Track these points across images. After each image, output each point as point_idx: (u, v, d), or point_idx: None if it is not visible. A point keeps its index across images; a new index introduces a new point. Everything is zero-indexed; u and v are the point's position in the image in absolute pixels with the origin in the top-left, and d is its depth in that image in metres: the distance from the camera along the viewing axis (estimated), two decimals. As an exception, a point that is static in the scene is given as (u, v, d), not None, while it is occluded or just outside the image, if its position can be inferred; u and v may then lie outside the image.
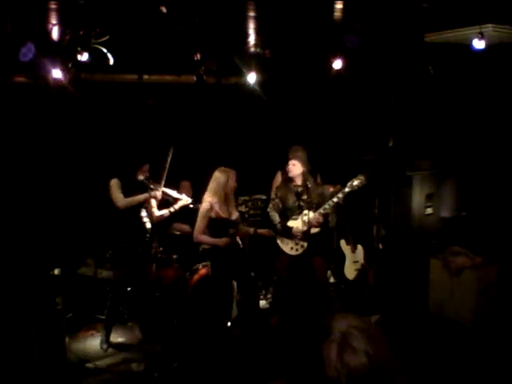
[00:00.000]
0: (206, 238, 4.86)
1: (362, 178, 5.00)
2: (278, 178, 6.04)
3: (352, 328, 0.96)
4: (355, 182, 4.98)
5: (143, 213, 5.00)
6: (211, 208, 4.72)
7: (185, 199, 5.23)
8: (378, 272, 6.00)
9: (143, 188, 4.98)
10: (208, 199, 4.76)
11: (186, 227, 5.99)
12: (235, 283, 5.19)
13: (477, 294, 5.36)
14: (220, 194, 4.76)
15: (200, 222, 4.78)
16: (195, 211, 5.28)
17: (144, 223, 5.01)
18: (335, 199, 5.02)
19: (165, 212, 5.20)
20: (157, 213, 5.14)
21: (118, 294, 5.03)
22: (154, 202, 5.11)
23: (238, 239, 4.98)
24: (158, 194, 4.99)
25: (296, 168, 5.14)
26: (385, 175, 6.28)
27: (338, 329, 0.95)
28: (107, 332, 5.00)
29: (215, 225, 4.80)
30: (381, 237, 5.99)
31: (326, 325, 0.97)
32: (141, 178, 4.98)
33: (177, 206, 5.19)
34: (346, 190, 5.00)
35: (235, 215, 4.92)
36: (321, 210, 5.08)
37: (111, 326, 5.03)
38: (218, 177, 4.79)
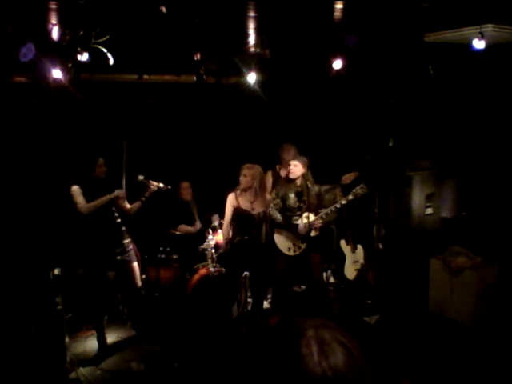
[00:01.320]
0: (226, 231, 5.19)
1: (365, 186, 5.09)
2: (269, 178, 6.06)
3: (320, 324, 0.98)
4: (359, 191, 5.06)
5: (115, 213, 4.96)
6: (234, 198, 5.08)
7: (154, 184, 5.11)
8: (377, 272, 6.00)
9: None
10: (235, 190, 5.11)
11: (190, 228, 5.99)
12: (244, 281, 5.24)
13: (477, 294, 5.36)
14: (243, 188, 5.05)
15: (226, 210, 5.17)
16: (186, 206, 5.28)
17: (120, 226, 4.98)
18: (338, 205, 5.08)
19: (136, 204, 5.11)
20: (127, 206, 5.09)
21: (100, 295, 4.97)
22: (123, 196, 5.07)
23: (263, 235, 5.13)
24: (122, 192, 4.95)
25: (297, 169, 5.14)
26: (385, 175, 6.28)
27: (309, 328, 0.97)
28: (100, 335, 4.93)
29: (236, 215, 5.10)
30: (381, 237, 6.00)
31: (298, 326, 0.98)
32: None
33: (147, 194, 5.09)
34: (350, 197, 5.09)
35: (257, 210, 5.01)
36: (322, 215, 5.11)
37: (103, 329, 4.96)
38: (242, 173, 5.06)
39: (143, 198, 5.09)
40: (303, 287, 6.23)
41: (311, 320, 1.00)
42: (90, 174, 4.85)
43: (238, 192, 5.08)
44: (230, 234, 5.23)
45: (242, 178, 5.02)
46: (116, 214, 4.98)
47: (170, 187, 5.28)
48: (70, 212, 4.94)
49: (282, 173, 6.07)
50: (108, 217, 4.92)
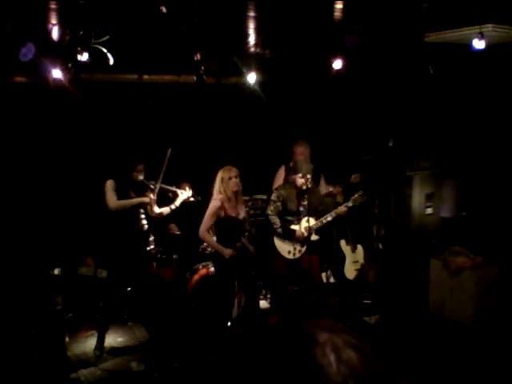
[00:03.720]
0: (210, 239, 4.83)
1: (364, 194, 5.13)
2: (282, 173, 5.98)
3: (330, 327, 0.94)
4: (358, 199, 5.12)
5: (141, 214, 4.94)
6: (222, 206, 4.70)
7: (185, 193, 5.08)
8: (378, 272, 6.00)
9: (141, 188, 4.95)
10: (218, 198, 4.72)
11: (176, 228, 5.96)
12: (236, 282, 5.19)
13: (477, 294, 5.36)
14: (226, 193, 4.70)
15: (207, 220, 4.71)
16: (200, 209, 5.27)
17: (143, 225, 4.95)
18: (338, 211, 5.07)
19: (165, 209, 5.07)
20: (157, 210, 5.02)
21: (112, 295, 4.97)
22: (153, 200, 5.08)
23: (246, 240, 5.03)
24: (152, 197, 4.89)
25: (305, 182, 5.07)
26: (385, 175, 6.28)
27: (320, 333, 0.93)
28: (101, 335, 4.91)
29: (223, 224, 4.77)
30: (381, 237, 6.00)
31: (307, 332, 0.94)
32: (140, 178, 4.97)
33: (177, 203, 5.06)
34: (350, 204, 5.12)
35: (242, 214, 4.90)
36: (323, 220, 5.11)
37: (105, 329, 4.95)
38: (221, 176, 4.75)
39: (173, 206, 5.02)
40: (299, 287, 6.20)
41: (318, 322, 0.96)
42: (128, 175, 4.85)
43: (224, 198, 4.73)
44: (214, 238, 4.98)
45: (233, 181, 4.71)
46: (143, 216, 4.96)
47: (200, 199, 5.23)
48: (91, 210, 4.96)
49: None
50: (136, 219, 4.90)
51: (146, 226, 5.00)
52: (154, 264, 5.18)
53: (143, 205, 4.96)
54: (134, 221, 4.89)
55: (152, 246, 5.11)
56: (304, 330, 0.94)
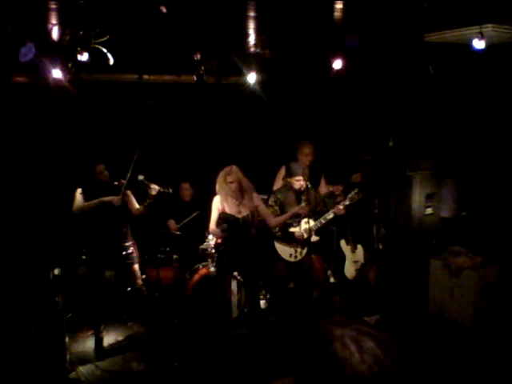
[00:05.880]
0: (215, 232, 4.96)
1: (359, 192, 5.14)
2: (282, 173, 5.93)
3: (343, 322, 0.95)
4: (354, 196, 5.12)
5: (119, 216, 4.94)
6: (219, 202, 4.82)
7: (153, 187, 4.97)
8: (378, 272, 5.99)
9: (114, 190, 4.94)
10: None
11: (175, 225, 5.95)
12: (236, 282, 5.20)
13: (477, 294, 5.36)
14: (224, 191, 4.74)
15: (212, 213, 4.93)
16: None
17: (121, 228, 4.98)
18: (336, 211, 5.08)
19: (140, 208, 5.05)
20: (136, 206, 5.06)
21: (98, 293, 4.98)
22: (133, 198, 5.08)
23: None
24: (116, 199, 4.86)
25: (304, 182, 5.08)
26: (385, 175, 6.28)
27: (335, 328, 0.93)
28: (97, 335, 4.92)
29: (222, 220, 4.90)
30: (381, 237, 5.99)
31: (321, 329, 0.94)
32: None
33: (149, 199, 4.96)
34: (347, 202, 5.10)
35: (244, 213, 4.82)
36: (321, 220, 5.11)
37: (100, 327, 4.95)
38: (219, 176, 4.77)
39: (146, 204, 4.99)
40: (296, 285, 6.17)
41: (329, 320, 0.97)
42: (93, 178, 4.89)
43: (223, 196, 4.79)
44: (220, 233, 5.02)
45: (229, 186, 4.70)
46: (119, 217, 4.95)
47: (171, 191, 5.18)
48: (70, 212, 4.97)
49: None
50: (109, 218, 4.90)
51: (126, 230, 5.01)
52: (135, 266, 5.14)
53: (124, 202, 4.95)
54: (111, 222, 4.91)
55: (130, 250, 5.05)
56: (318, 328, 0.94)
